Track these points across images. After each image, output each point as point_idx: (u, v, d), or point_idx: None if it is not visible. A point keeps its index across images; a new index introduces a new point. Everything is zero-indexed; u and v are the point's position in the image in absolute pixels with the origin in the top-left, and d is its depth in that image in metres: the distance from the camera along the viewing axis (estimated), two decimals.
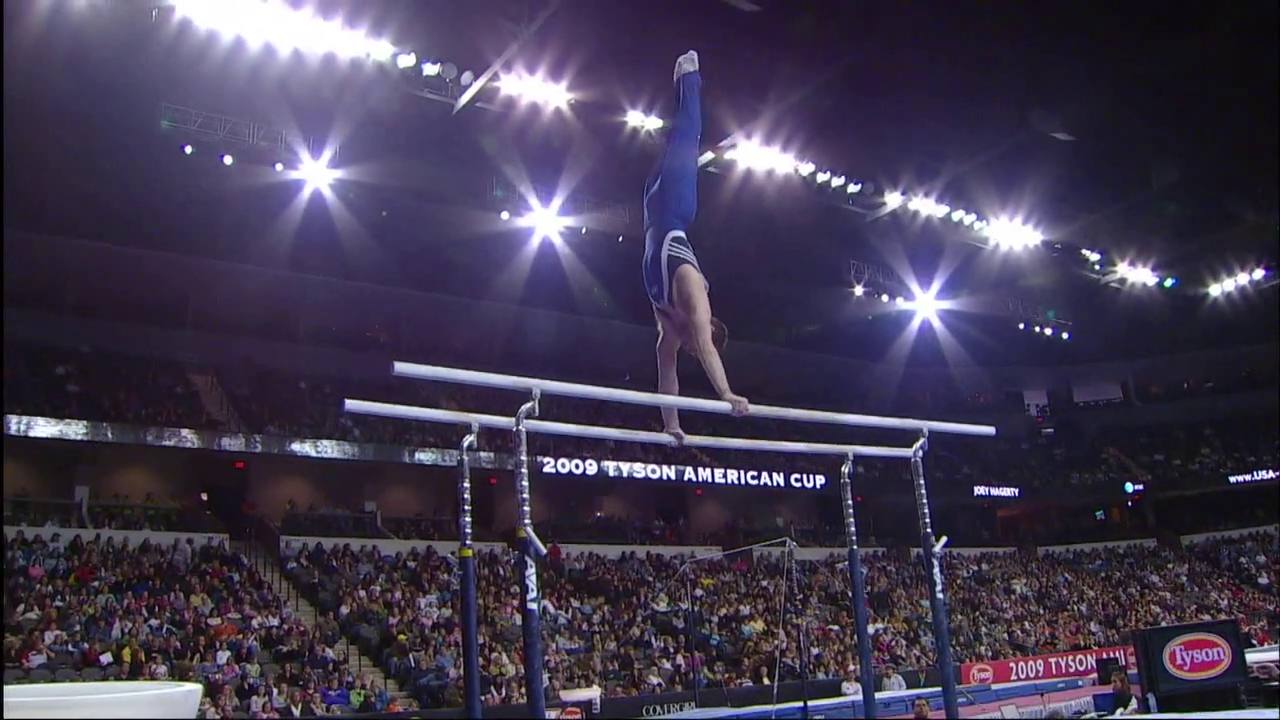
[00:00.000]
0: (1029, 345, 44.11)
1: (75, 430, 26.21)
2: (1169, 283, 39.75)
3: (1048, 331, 42.84)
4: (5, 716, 2.03)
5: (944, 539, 5.96)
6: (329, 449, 29.74)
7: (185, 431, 27.86)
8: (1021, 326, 42.27)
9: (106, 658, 19.64)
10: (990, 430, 7.02)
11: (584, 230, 31.25)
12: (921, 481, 6.14)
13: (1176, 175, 31.33)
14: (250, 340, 32.61)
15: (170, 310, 31.86)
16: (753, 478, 35.90)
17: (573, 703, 18.21)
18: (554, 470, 31.51)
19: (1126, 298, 39.63)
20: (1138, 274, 38.74)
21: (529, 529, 4.42)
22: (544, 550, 4.36)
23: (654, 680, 24.50)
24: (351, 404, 4.97)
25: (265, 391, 31.77)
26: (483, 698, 5.68)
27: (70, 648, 19.83)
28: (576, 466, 32.17)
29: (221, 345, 31.78)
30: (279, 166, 26.25)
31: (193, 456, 28.61)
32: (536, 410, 4.59)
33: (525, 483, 4.53)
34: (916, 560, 36.72)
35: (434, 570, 27.77)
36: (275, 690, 20.06)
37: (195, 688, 3.12)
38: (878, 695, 17.29)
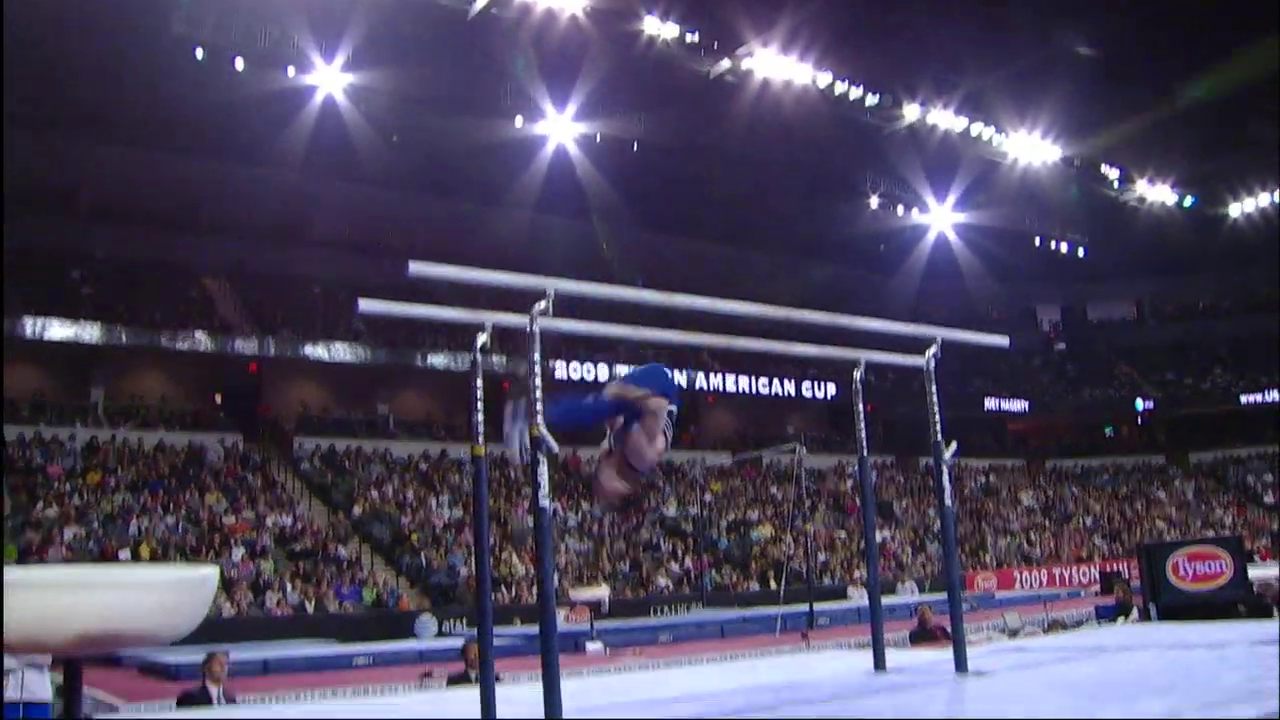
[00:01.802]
0: (1045, 262, 43.82)
1: (90, 333, 26.36)
2: (1188, 202, 39.29)
3: (1063, 248, 42.49)
4: (32, 592, 2.09)
5: (954, 445, 5.96)
6: (342, 352, 29.90)
7: (199, 334, 27.99)
8: (1037, 242, 41.95)
9: (124, 554, 20.00)
10: (1004, 341, 6.94)
11: (598, 138, 30.96)
12: (933, 388, 6.12)
13: (1200, 92, 30.78)
14: (263, 245, 32.54)
15: (184, 215, 31.80)
16: (764, 386, 36.04)
17: (582, 601, 18.48)
18: (565, 375, 31.64)
19: (1145, 216, 39.24)
20: (1157, 192, 38.31)
21: (542, 427, 4.44)
22: (556, 447, 4.40)
23: (662, 582, 24.88)
24: (366, 303, 4.97)
25: (278, 296, 31.81)
26: (493, 596, 5.83)
27: (90, 544, 20.19)
28: (589, 371, 32.32)
29: (235, 250, 31.76)
30: (291, 71, 25.98)
31: (206, 359, 28.79)
32: (550, 309, 4.58)
33: (538, 381, 4.54)
34: (925, 471, 36.87)
35: (445, 472, 28.10)
36: (289, 586, 20.47)
37: (212, 571, 3.18)
38: (888, 600, 17.57)
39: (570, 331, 5.32)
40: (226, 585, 19.35)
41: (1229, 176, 38.30)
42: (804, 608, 17.84)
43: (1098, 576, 27.57)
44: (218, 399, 30.32)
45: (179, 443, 25.88)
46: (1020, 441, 46.73)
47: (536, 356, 4.52)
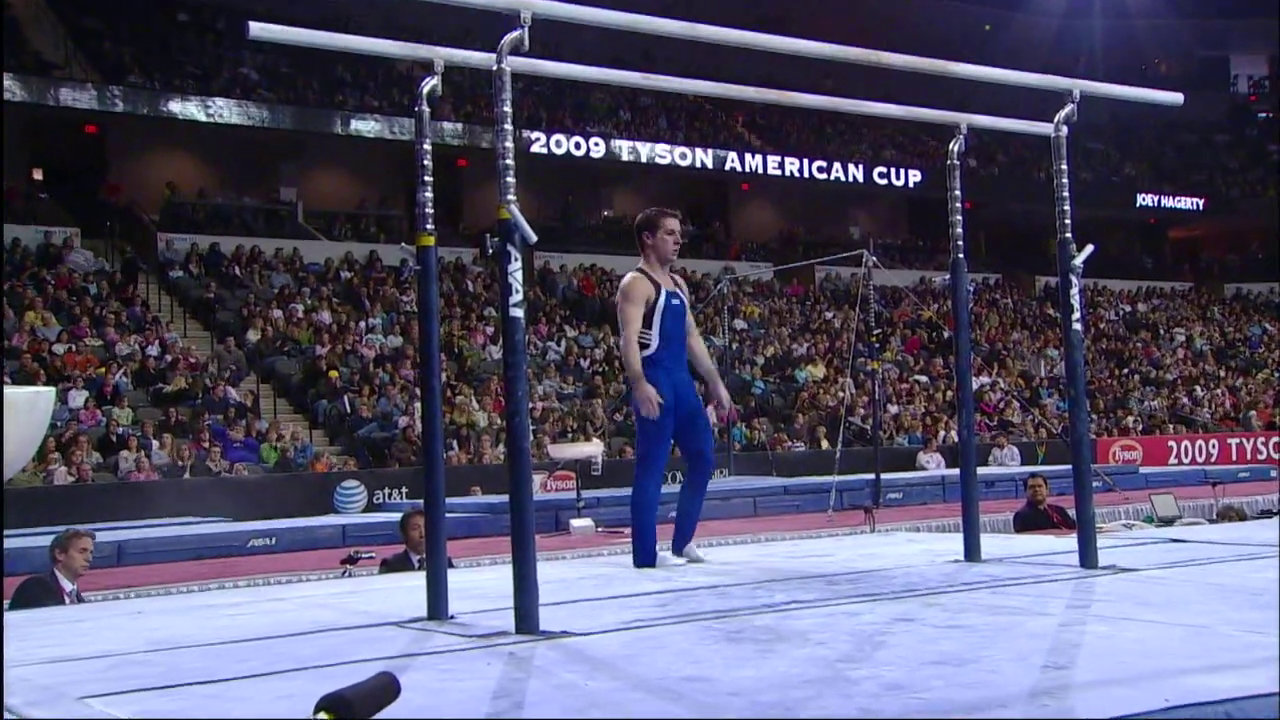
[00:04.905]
0: None
1: None
2: None
3: None
4: None
5: (1089, 248, 5.95)
6: (226, 111, 29.52)
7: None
8: None
9: None
10: (1176, 97, 6.84)
11: None
12: (1064, 166, 6.09)
13: None
14: None
15: None
16: (820, 170, 35.75)
17: (566, 461, 18.77)
18: (546, 150, 31.38)
19: None
20: None
21: (514, 207, 4.45)
22: (533, 236, 4.42)
23: None
24: (259, 27, 4.95)
25: (124, 22, 31.31)
26: (445, 454, 5.91)
27: None
28: (578, 146, 32.00)
29: None
30: None
31: (17, 115, 28.16)
32: (526, 43, 4.54)
33: (509, 144, 4.51)
34: (1042, 294, 36.93)
35: (378, 284, 28.23)
36: (154, 442, 20.61)
37: (47, 391, 3.29)
38: (984, 471, 17.86)
39: (555, 75, 5.31)
40: (61, 446, 19.43)
41: None
42: (868, 476, 18.17)
43: None
44: (37, 174, 30.14)
45: None
46: (1188, 255, 46.60)
47: (507, 109, 4.51)
